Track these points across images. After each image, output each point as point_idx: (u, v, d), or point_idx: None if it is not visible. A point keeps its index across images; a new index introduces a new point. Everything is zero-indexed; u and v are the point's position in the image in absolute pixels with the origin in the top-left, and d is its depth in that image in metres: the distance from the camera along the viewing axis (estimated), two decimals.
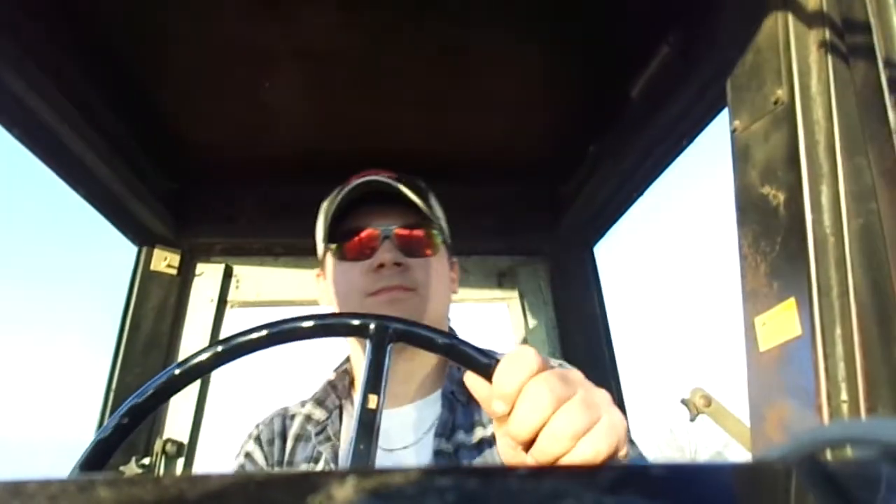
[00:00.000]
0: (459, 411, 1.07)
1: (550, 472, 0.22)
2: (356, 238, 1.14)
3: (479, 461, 1.00)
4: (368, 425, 0.61)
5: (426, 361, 1.15)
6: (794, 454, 0.27)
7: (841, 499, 0.25)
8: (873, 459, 0.28)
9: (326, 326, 0.75)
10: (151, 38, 1.35)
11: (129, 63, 1.42)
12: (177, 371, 0.68)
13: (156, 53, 1.40)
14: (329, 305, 1.20)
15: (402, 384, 1.14)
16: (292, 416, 1.19)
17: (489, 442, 1.02)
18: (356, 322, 0.73)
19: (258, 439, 1.18)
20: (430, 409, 1.11)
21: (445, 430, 1.04)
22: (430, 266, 1.15)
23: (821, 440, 0.27)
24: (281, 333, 0.71)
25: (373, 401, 0.65)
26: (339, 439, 1.11)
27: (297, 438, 1.16)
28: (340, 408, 1.16)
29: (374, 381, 0.66)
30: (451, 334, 0.74)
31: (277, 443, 1.16)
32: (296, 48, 1.39)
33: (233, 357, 0.70)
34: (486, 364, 0.69)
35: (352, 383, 1.21)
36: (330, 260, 1.18)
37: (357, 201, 1.14)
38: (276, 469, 1.12)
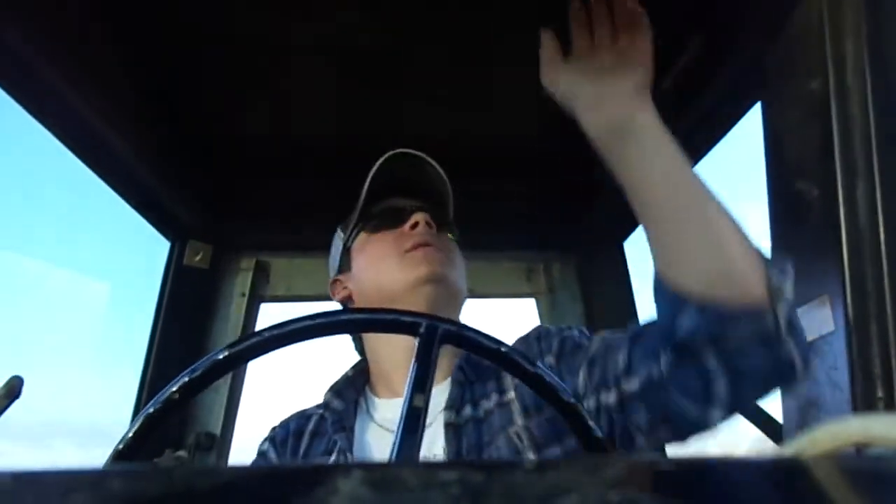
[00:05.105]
0: (467, 389, 1.10)
1: (555, 465, 0.22)
2: (388, 210, 1.19)
3: (484, 429, 1.03)
4: (413, 423, 0.61)
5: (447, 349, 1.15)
6: (810, 449, 0.27)
7: (861, 494, 0.25)
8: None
9: (375, 321, 0.79)
10: (185, 34, 1.37)
11: (163, 60, 1.44)
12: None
13: (189, 50, 1.42)
14: (361, 284, 1.21)
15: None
16: (309, 416, 1.20)
17: (490, 411, 1.06)
18: (407, 319, 0.74)
19: (273, 440, 1.19)
20: (445, 392, 1.12)
21: (455, 404, 1.07)
22: (453, 248, 1.20)
23: (839, 435, 0.27)
24: (330, 325, 0.73)
25: (419, 399, 0.65)
26: (353, 431, 1.12)
27: (314, 434, 1.16)
28: (356, 403, 1.17)
29: (422, 380, 0.66)
30: (499, 340, 0.76)
31: (291, 441, 1.16)
32: (325, 44, 1.40)
33: (284, 344, 0.70)
34: (533, 373, 0.71)
35: (367, 381, 1.22)
36: (361, 240, 1.22)
37: (378, 193, 1.20)
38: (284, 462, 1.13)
